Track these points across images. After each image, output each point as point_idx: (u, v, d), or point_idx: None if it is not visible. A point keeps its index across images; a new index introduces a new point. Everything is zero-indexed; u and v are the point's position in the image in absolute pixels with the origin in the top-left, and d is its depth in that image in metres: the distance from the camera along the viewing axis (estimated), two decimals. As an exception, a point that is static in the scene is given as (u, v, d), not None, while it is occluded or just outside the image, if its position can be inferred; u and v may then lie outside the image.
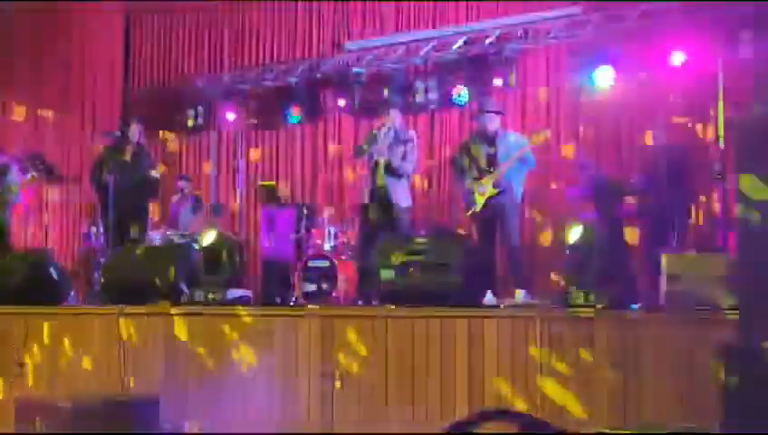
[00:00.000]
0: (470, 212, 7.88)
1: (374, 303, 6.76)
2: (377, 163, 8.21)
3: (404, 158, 8.19)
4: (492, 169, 7.77)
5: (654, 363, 5.08)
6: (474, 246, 7.34)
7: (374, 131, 8.47)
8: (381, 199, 8.17)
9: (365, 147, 8.36)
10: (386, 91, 10.36)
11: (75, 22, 12.10)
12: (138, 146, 9.17)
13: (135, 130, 9.25)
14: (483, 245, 7.75)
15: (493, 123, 7.94)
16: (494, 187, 7.71)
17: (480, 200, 7.75)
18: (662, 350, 5.07)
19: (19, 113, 11.38)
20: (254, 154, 11.52)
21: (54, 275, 7.86)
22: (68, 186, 9.93)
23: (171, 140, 9.55)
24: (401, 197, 8.20)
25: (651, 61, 8.93)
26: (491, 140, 7.89)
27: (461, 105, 10.05)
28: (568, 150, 9.52)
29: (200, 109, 11.55)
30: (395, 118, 8.38)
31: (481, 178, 7.81)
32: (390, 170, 8.15)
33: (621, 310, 5.75)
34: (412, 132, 8.58)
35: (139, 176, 9.01)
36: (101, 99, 12.32)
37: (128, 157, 9.02)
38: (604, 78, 9.00)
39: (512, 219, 7.82)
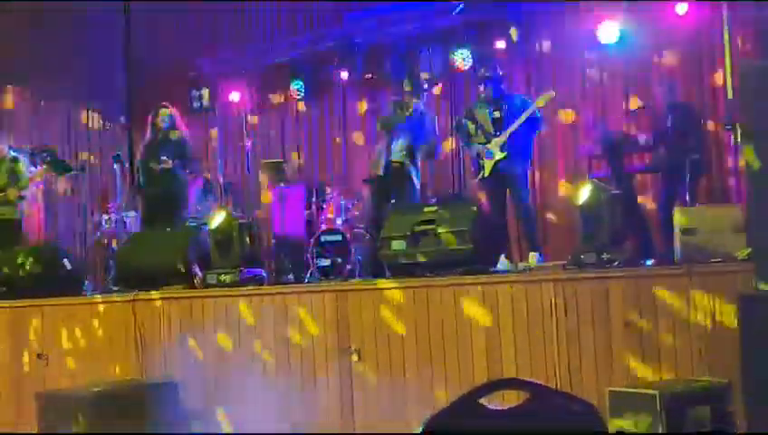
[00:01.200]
0: (479, 177, 7.83)
1: (387, 274, 6.74)
2: (397, 140, 8.15)
3: (426, 141, 8.14)
4: (498, 133, 7.71)
5: (671, 319, 5.03)
6: (484, 212, 7.29)
7: (401, 111, 8.36)
8: (396, 175, 8.10)
9: (390, 123, 8.30)
10: (388, 63, 10.30)
11: (75, 8, 12.03)
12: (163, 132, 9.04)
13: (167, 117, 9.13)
14: (493, 209, 7.69)
15: (497, 86, 7.88)
16: (502, 150, 7.65)
17: (488, 165, 7.70)
18: (678, 304, 5.02)
19: (22, 103, 11.36)
20: (260, 132, 11.47)
21: (68, 266, 7.89)
22: (77, 176, 9.92)
23: (168, 115, 9.40)
24: (416, 175, 8.15)
25: (656, 14, 8.82)
26: (496, 103, 7.83)
27: (465, 70, 9.95)
28: (575, 109, 9.42)
29: (204, 89, 11.51)
30: (421, 101, 8.34)
31: (488, 143, 7.75)
32: (411, 151, 8.10)
33: (636, 266, 5.72)
34: (433, 116, 8.46)
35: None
36: (105, 85, 12.28)
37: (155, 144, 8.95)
38: (609, 34, 8.89)
39: (521, 182, 7.77)
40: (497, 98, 7.84)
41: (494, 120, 7.77)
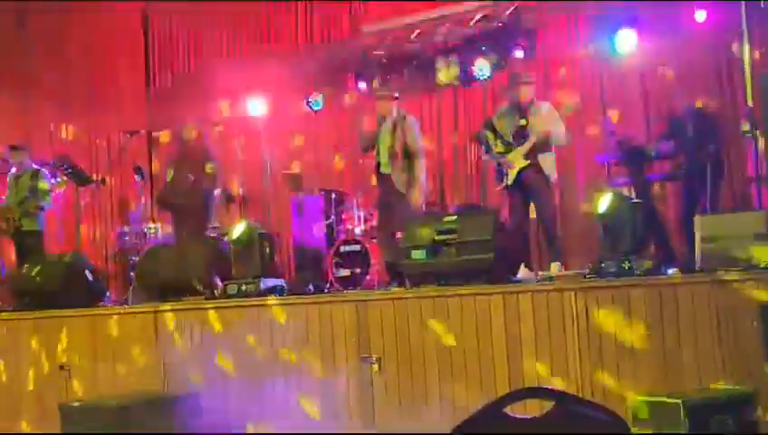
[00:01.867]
0: (502, 186, 7.75)
1: (407, 284, 6.74)
2: (379, 151, 8.07)
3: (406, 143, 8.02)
4: (522, 141, 7.62)
5: (693, 327, 5.01)
6: (504, 221, 7.28)
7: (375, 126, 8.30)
8: (386, 185, 8.04)
9: (365, 143, 8.23)
10: (406, 72, 10.33)
11: (95, 19, 12.15)
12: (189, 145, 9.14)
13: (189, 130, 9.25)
14: (516, 218, 7.66)
15: (526, 94, 7.79)
16: (525, 159, 7.56)
17: (512, 173, 7.61)
18: (700, 313, 5.00)
19: (44, 115, 11.46)
20: (279, 141, 11.50)
21: (89, 277, 7.93)
22: (98, 187, 10.00)
23: (194, 130, 9.53)
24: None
25: (674, 22, 8.80)
26: (522, 111, 7.74)
27: (483, 79, 9.96)
28: (594, 117, 9.41)
29: (223, 101, 11.58)
30: (389, 107, 8.17)
31: (507, 152, 7.70)
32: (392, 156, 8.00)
33: (657, 275, 5.70)
34: (410, 117, 8.32)
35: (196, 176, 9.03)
36: (125, 97, 12.38)
37: (182, 158, 9.04)
38: (626, 42, 8.87)
39: (544, 192, 7.68)
40: (525, 105, 7.76)
41: (520, 128, 7.66)
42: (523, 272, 6.79)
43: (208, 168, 8.89)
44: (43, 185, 9.22)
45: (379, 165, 8.04)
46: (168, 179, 9.03)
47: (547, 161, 7.63)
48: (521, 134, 7.63)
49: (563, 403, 2.46)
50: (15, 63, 11.15)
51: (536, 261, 8.33)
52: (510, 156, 7.61)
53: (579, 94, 9.50)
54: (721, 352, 4.92)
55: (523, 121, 7.65)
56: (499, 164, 7.74)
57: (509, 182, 7.61)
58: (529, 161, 7.54)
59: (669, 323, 5.09)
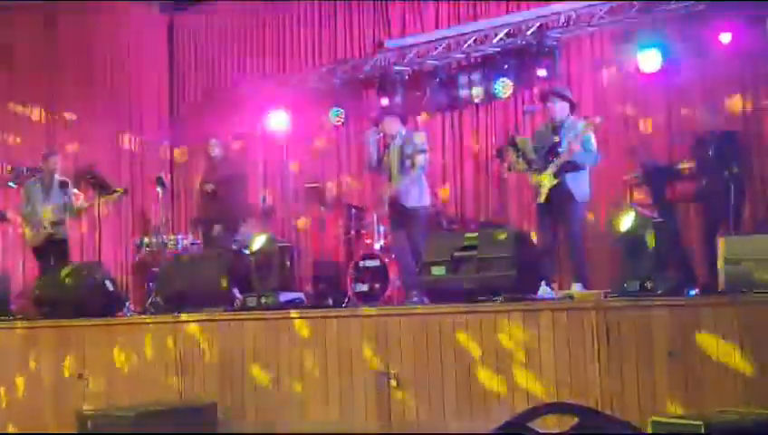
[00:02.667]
0: (536, 202, 7.61)
1: (426, 300, 6.72)
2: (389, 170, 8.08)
3: (409, 160, 7.96)
4: (553, 159, 7.48)
5: (716, 349, 4.97)
6: (529, 238, 7.21)
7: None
8: (394, 204, 8.00)
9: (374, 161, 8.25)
10: (428, 89, 10.35)
11: (121, 31, 12.25)
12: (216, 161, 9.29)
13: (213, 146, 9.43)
14: (543, 236, 7.57)
15: (562, 110, 7.69)
16: (555, 177, 7.43)
17: (543, 191, 7.50)
18: (723, 335, 4.95)
19: (66, 125, 11.54)
20: (302, 156, 11.53)
21: (109, 287, 7.96)
22: (120, 198, 10.03)
23: (216, 146, 9.64)
24: (414, 198, 7.97)
25: (698, 42, 8.77)
26: (557, 128, 7.62)
27: (505, 96, 9.95)
28: (617, 136, 9.37)
29: (246, 114, 11.65)
30: (391, 124, 8.16)
31: (529, 169, 7.62)
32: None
33: (679, 296, 5.66)
34: (417, 135, 8.27)
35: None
36: (149, 109, 12.46)
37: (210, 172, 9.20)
38: (651, 62, 8.85)
39: (573, 212, 7.53)
40: (559, 123, 7.66)
41: (552, 146, 7.52)
42: (542, 290, 6.76)
43: (232, 180, 8.99)
44: (74, 199, 9.28)
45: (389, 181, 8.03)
46: (201, 193, 9.18)
47: (578, 181, 7.49)
48: (553, 151, 7.49)
49: (587, 419, 2.44)
50: (41, 75, 11.24)
51: (557, 279, 8.26)
52: (542, 174, 7.46)
53: (602, 113, 9.45)
54: (745, 374, 4.87)
55: (556, 138, 7.53)
56: (536, 182, 7.54)
57: (541, 200, 7.48)
58: (559, 180, 7.40)
59: (691, 343, 5.04)
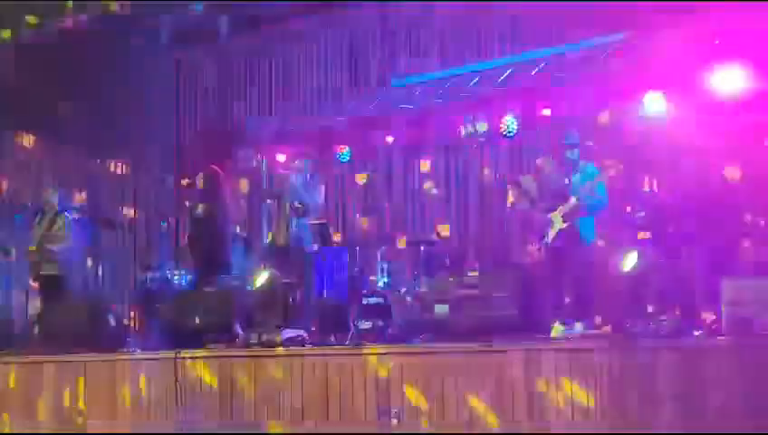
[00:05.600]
0: (542, 244, 7.63)
1: (430, 338, 6.70)
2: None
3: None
4: (562, 201, 7.50)
5: (720, 390, 4.94)
6: (528, 277, 7.21)
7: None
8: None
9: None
10: (434, 126, 10.40)
11: (131, 67, 12.33)
12: (207, 198, 9.21)
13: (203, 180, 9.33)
14: (548, 276, 7.55)
15: (572, 154, 7.73)
16: (564, 219, 7.45)
17: (552, 233, 7.51)
18: (726, 375, 4.93)
19: (71, 159, 11.60)
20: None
21: (112, 322, 7.95)
22: (122, 232, 10.06)
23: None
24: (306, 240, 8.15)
25: (701, 85, 8.80)
26: (567, 171, 7.66)
27: (510, 136, 9.99)
28: (621, 176, 9.36)
29: (251, 151, 11.70)
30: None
31: (532, 209, 7.63)
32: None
33: (683, 336, 5.64)
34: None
35: (213, 229, 9.07)
36: (155, 143, 12.51)
37: (200, 211, 9.09)
38: (655, 104, 8.88)
39: (580, 254, 7.53)
40: (573, 164, 7.67)
41: (562, 188, 7.53)
42: (557, 330, 6.76)
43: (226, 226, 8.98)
44: (59, 228, 9.16)
45: None
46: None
47: (586, 224, 7.50)
48: (562, 194, 7.50)
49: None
50: (47, 107, 11.31)
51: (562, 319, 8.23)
52: (553, 214, 7.46)
53: (606, 155, 9.46)
54: (746, 414, 4.84)
55: (566, 181, 7.55)
56: (541, 222, 7.58)
57: (548, 241, 7.49)
58: (568, 223, 7.41)
59: (694, 384, 5.01)
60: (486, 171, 10.47)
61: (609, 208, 8.66)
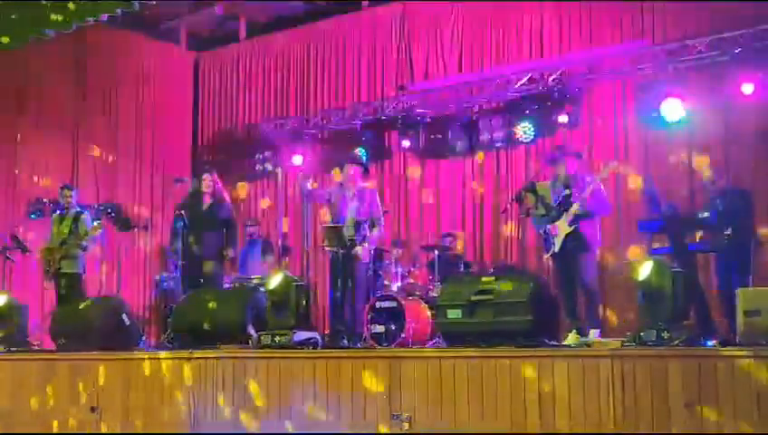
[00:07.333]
0: (549, 253, 7.67)
1: (442, 343, 6.69)
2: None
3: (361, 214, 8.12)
4: (565, 209, 7.54)
5: (732, 401, 4.91)
6: (542, 283, 7.19)
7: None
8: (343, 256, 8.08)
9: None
10: (449, 132, 10.41)
11: (150, 68, 12.42)
12: (213, 195, 9.20)
13: (209, 180, 9.29)
14: (561, 284, 7.58)
15: (572, 166, 7.77)
16: (569, 225, 7.49)
17: (558, 240, 7.54)
18: (741, 387, 4.90)
19: (92, 158, 11.67)
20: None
21: (127, 322, 7.98)
22: (139, 232, 10.09)
23: (242, 186, 9.65)
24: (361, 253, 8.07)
25: (720, 93, 8.79)
26: (568, 181, 7.70)
27: (526, 143, 9.99)
28: (637, 184, 9.35)
29: (267, 153, 11.76)
30: (348, 173, 8.30)
31: (547, 215, 7.65)
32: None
33: (697, 346, 5.61)
34: (367, 186, 8.43)
35: (215, 226, 9.06)
36: (172, 144, 12.58)
37: (204, 207, 9.09)
38: (673, 111, 8.87)
39: (586, 259, 7.58)
40: (572, 175, 7.69)
41: (564, 197, 7.60)
42: (572, 338, 6.73)
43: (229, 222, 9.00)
44: (83, 227, 9.23)
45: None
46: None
47: (590, 228, 7.55)
48: (564, 203, 7.57)
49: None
50: (68, 110, 11.40)
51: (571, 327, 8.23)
52: (558, 222, 7.51)
53: (622, 161, 9.46)
54: (763, 428, 4.81)
55: (567, 191, 7.61)
56: (545, 232, 7.64)
57: (556, 250, 7.53)
58: (573, 228, 7.46)
59: (707, 395, 4.99)
60: (503, 176, 10.47)
61: (624, 216, 8.68)
